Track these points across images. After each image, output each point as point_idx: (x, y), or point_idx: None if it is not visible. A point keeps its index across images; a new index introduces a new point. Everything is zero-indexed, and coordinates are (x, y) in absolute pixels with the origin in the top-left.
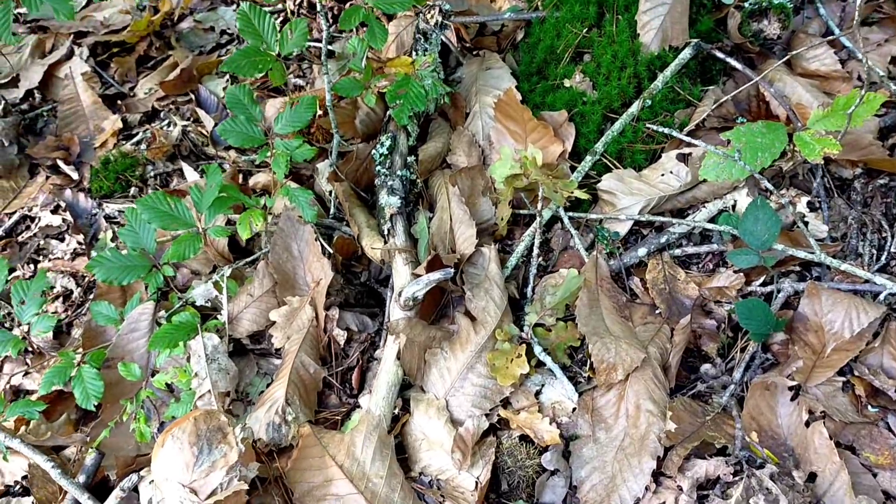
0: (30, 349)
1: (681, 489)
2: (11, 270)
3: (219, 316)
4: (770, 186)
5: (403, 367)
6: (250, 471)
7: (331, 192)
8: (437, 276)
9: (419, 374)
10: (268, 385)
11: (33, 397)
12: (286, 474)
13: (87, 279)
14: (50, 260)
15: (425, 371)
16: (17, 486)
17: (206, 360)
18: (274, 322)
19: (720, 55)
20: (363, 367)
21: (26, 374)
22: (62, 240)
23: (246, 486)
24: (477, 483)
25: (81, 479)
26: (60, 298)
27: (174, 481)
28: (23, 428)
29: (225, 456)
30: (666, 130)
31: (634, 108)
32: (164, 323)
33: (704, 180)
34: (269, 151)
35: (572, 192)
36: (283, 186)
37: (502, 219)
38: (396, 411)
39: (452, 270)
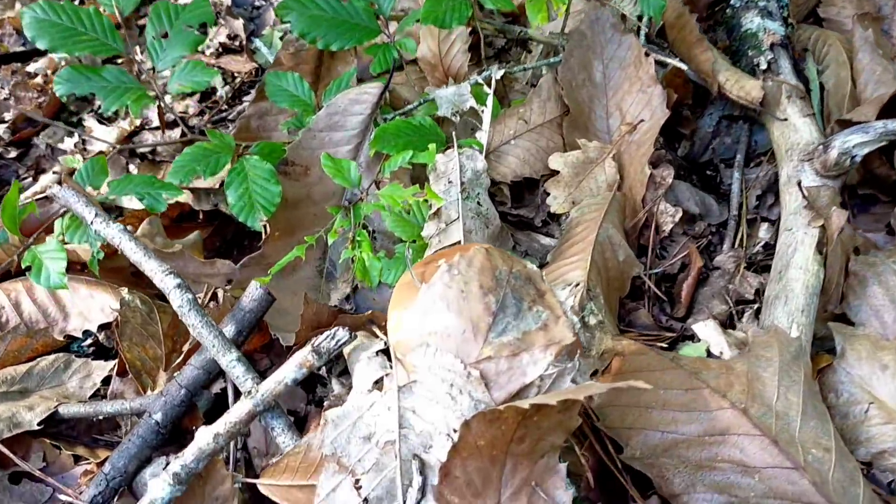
0: (161, 114)
1: None
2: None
3: (477, 135)
4: None
5: None
6: (581, 370)
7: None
8: None
9: (837, 290)
10: (540, 266)
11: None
12: (597, 412)
13: (237, 79)
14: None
15: (852, 287)
16: (88, 342)
17: (460, 192)
18: (554, 173)
19: None
20: (699, 274)
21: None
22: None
23: (587, 394)
24: None
25: (229, 330)
26: (197, 95)
27: (445, 351)
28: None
29: (545, 327)
30: None
31: None
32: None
33: None
34: None
35: None
36: None
37: None
38: None
39: None
